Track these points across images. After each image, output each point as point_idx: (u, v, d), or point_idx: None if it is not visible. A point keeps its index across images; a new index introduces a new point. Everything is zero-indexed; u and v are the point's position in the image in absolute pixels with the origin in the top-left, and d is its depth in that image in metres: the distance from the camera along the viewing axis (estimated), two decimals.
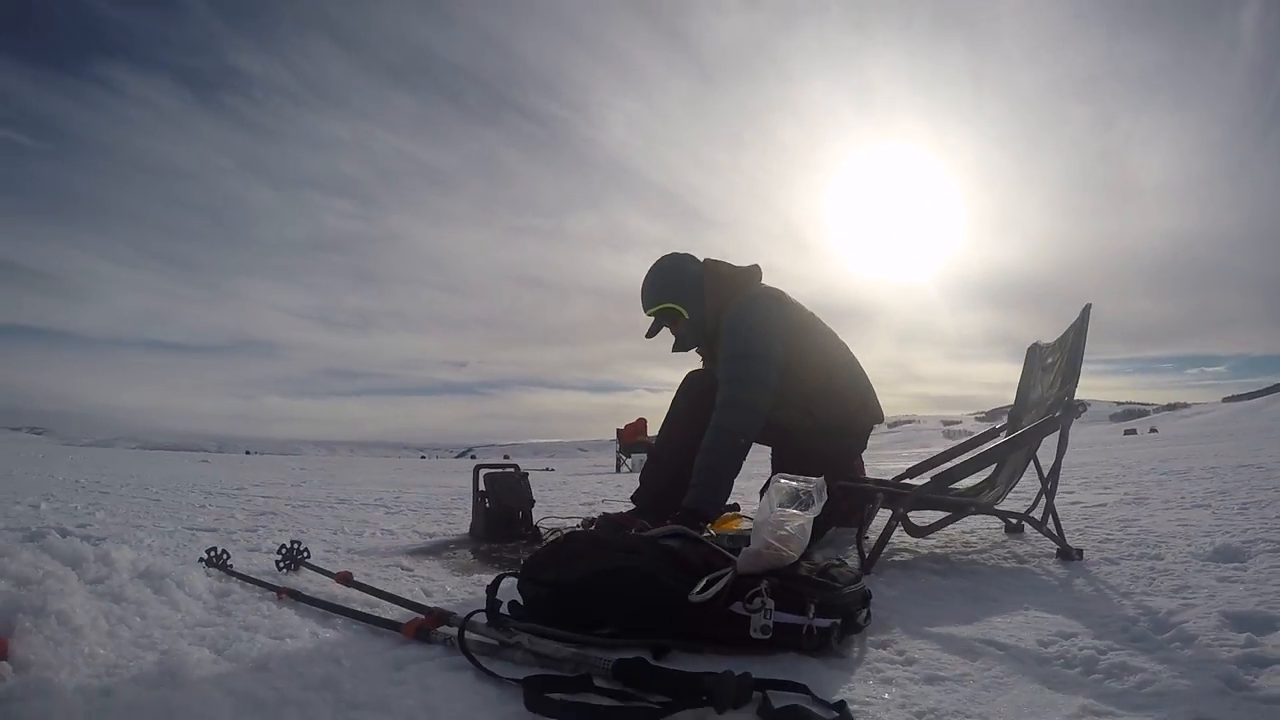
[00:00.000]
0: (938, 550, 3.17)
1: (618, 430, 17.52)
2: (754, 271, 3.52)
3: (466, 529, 4.10)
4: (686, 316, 3.39)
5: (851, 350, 3.59)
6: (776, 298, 3.40)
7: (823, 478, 2.21)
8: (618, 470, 16.46)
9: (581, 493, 7.99)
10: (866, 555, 2.77)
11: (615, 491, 8.27)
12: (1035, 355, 3.64)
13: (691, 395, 3.46)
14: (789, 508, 2.09)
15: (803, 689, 1.52)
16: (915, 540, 3.45)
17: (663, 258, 3.50)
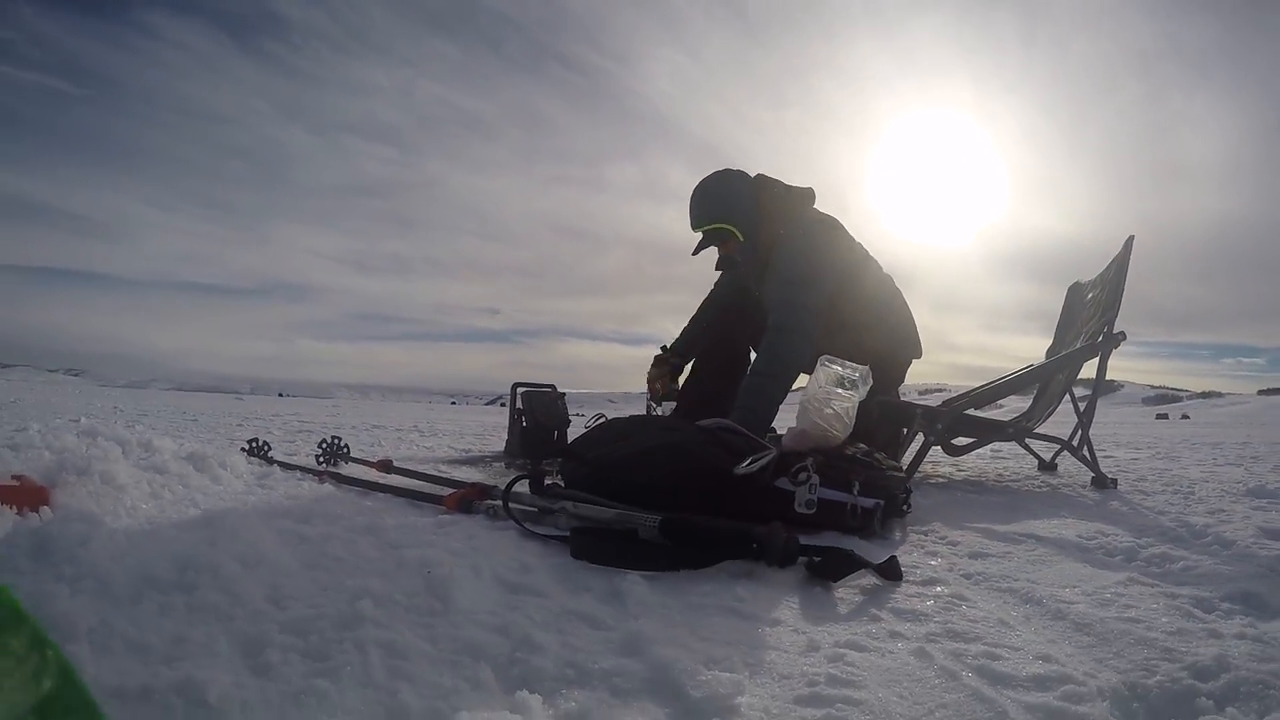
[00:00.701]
0: (972, 478, 3.13)
1: (649, 379, 17.47)
2: (808, 194, 3.36)
3: (501, 449, 4.07)
4: (741, 239, 3.21)
5: (894, 281, 3.48)
6: (831, 226, 3.27)
7: (868, 366, 2.18)
8: (647, 412, 16.48)
9: None
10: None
11: None
12: (1075, 292, 3.59)
13: (717, 297, 3.57)
14: (836, 389, 2.05)
15: (848, 553, 1.47)
16: (951, 466, 3.41)
17: (714, 174, 3.31)
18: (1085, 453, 3.01)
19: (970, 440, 3.03)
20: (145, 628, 1.03)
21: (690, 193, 3.27)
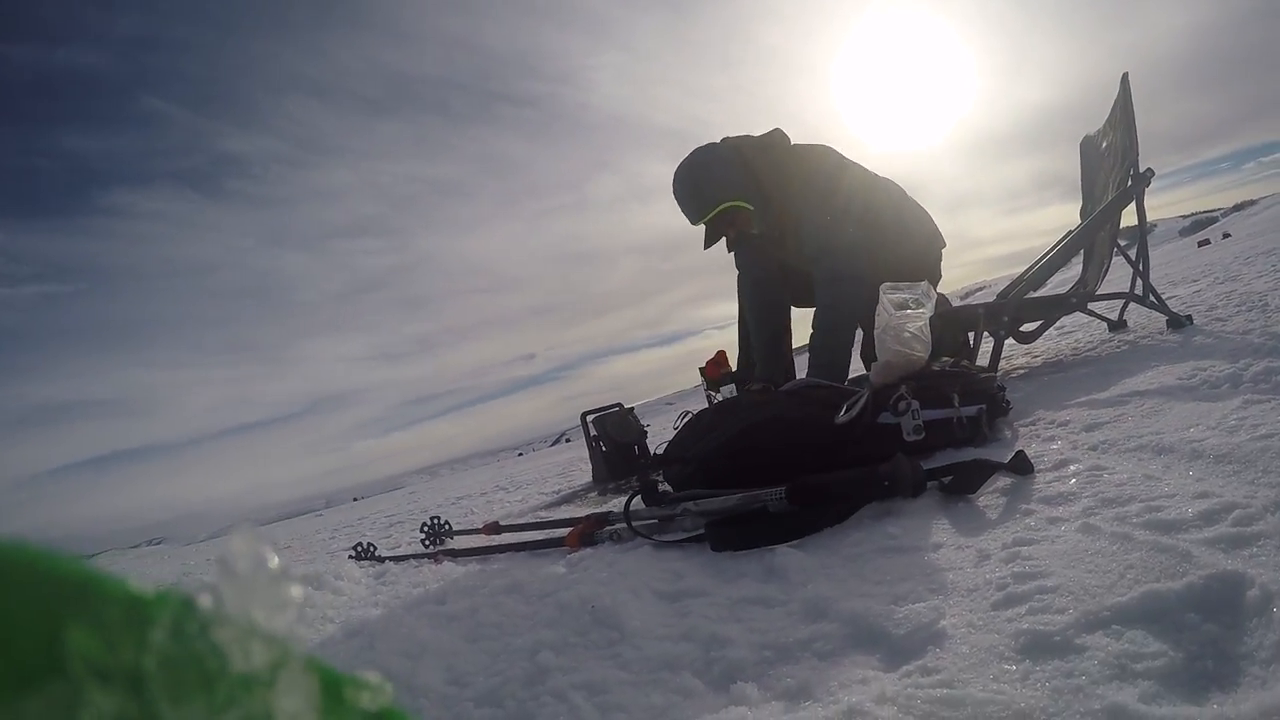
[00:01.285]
0: (1050, 360, 3.10)
1: (700, 369, 17.48)
2: (782, 135, 3.22)
3: (589, 479, 4.10)
4: (750, 208, 3.03)
5: (900, 188, 3.42)
6: (832, 154, 3.19)
7: (925, 282, 2.18)
8: (709, 402, 16.46)
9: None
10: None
11: None
12: (1089, 145, 3.55)
13: (757, 295, 3.46)
14: (905, 312, 2.06)
15: (978, 462, 1.47)
16: (1025, 355, 3.39)
17: (690, 158, 3.11)
18: (1151, 299, 2.97)
19: (1038, 323, 3.02)
20: None
21: (672, 187, 3.12)
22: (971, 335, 2.91)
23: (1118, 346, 2.85)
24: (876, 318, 2.07)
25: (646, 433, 4.01)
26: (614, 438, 3.87)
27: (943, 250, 3.36)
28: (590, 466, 4.02)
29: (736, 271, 3.56)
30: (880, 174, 3.33)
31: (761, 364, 3.43)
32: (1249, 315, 2.59)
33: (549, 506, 3.45)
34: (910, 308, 2.06)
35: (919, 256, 3.23)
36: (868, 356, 3.09)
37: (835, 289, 2.91)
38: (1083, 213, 3.52)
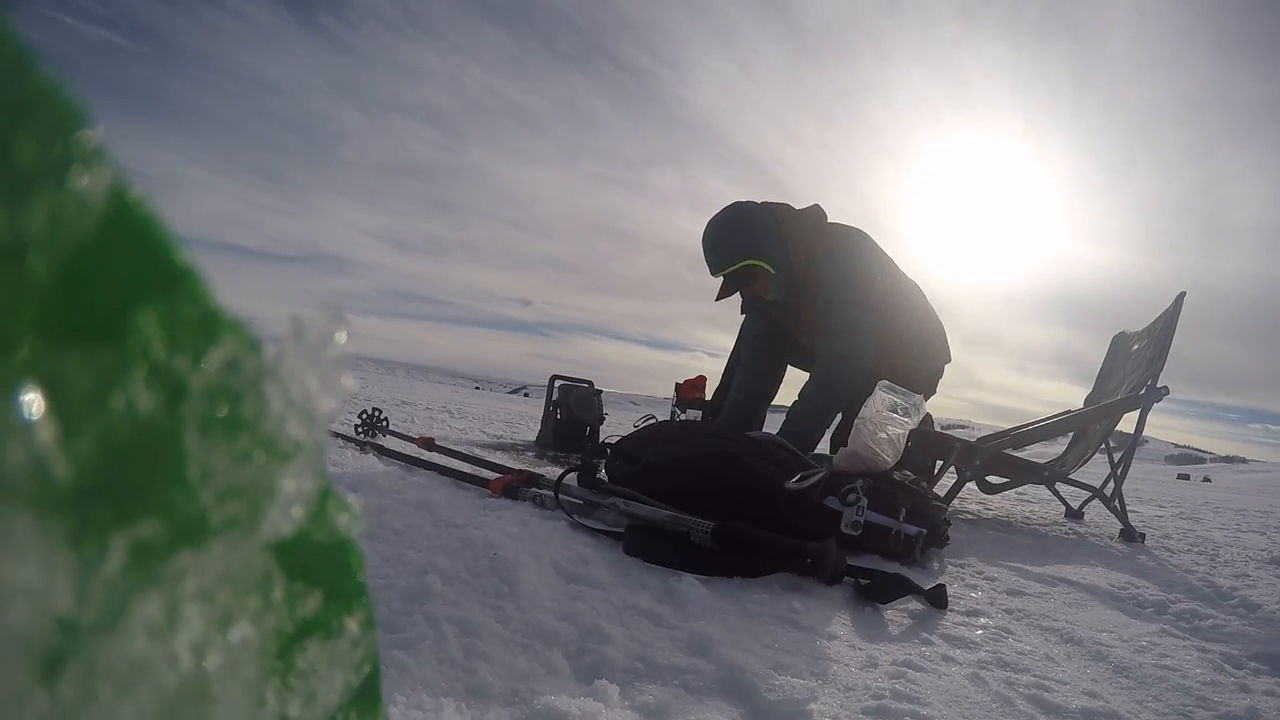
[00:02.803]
0: (1000, 518, 3.14)
1: (676, 385, 17.46)
2: (820, 212, 3.23)
3: (533, 439, 4.11)
4: (771, 271, 3.01)
5: (922, 291, 3.43)
6: (861, 236, 3.19)
7: (920, 396, 2.20)
8: (672, 419, 16.48)
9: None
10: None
11: None
12: (1121, 342, 3.60)
13: (753, 359, 3.49)
14: (890, 414, 2.08)
15: (900, 577, 1.49)
16: (978, 503, 3.43)
17: (727, 210, 3.12)
18: (1116, 504, 3.02)
19: (1004, 480, 3.06)
20: None
21: (703, 233, 3.12)
22: (939, 464, 2.94)
23: (1067, 533, 2.88)
24: (863, 408, 2.09)
25: (605, 419, 4.01)
26: (573, 410, 3.87)
27: (945, 366, 3.39)
28: (539, 429, 4.02)
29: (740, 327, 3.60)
30: (908, 275, 3.35)
31: (728, 423, 3.46)
32: (1197, 557, 2.64)
33: (485, 447, 3.45)
34: (897, 413, 2.08)
35: (923, 363, 3.25)
36: (838, 438, 3.11)
37: (835, 368, 2.92)
38: (1088, 400, 3.58)
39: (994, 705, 1.00)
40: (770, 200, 3.20)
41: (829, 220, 3.17)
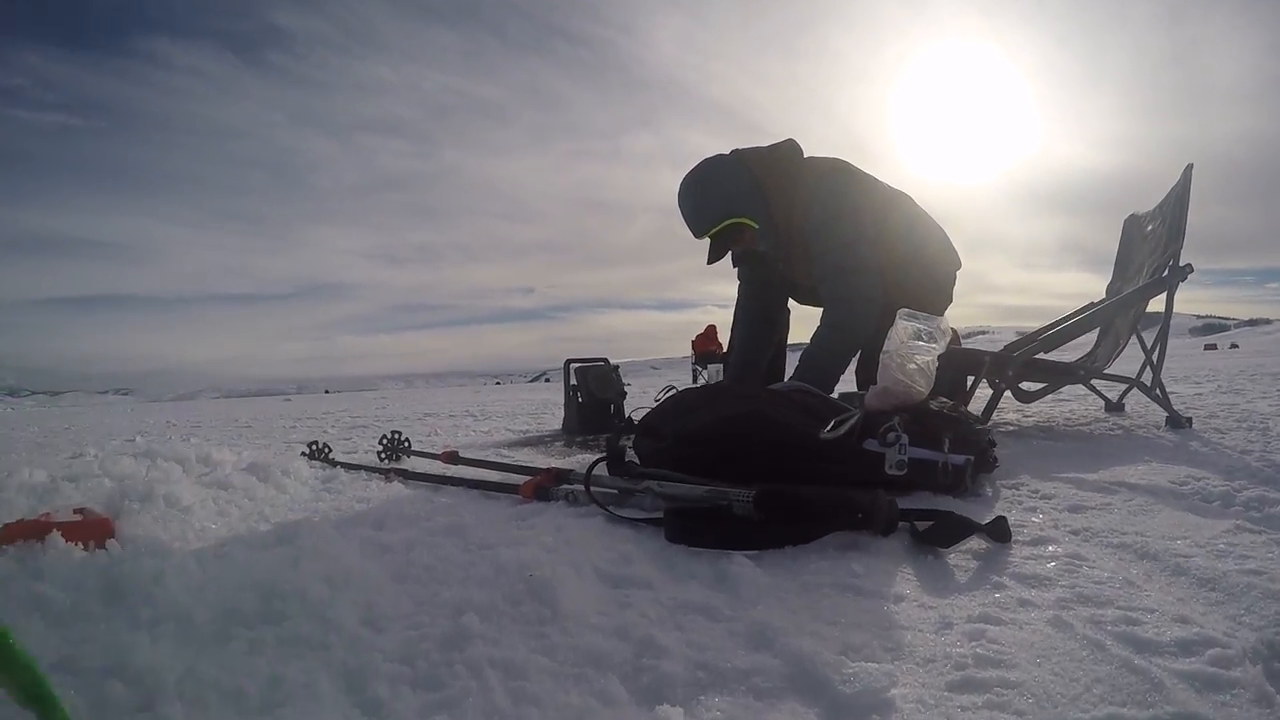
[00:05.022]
0: (1041, 424, 3.06)
1: (691, 343, 17.35)
2: (794, 147, 3.05)
3: (559, 427, 4.06)
4: (755, 226, 2.90)
5: (914, 202, 3.28)
6: (844, 170, 3.03)
7: (942, 317, 2.12)
8: (695, 383, 16.39)
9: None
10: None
11: None
12: (1133, 225, 3.47)
13: (753, 306, 3.39)
14: (916, 343, 1.99)
15: (958, 518, 1.41)
16: (1017, 411, 3.33)
17: (696, 170, 2.94)
18: (1157, 392, 2.93)
19: (1041, 385, 2.96)
20: (237, 671, 0.96)
21: (677, 198, 2.99)
22: (971, 379, 2.85)
23: (1112, 429, 2.80)
24: (886, 340, 2.01)
25: (626, 393, 3.95)
26: (593, 391, 3.82)
27: (957, 271, 3.27)
28: (563, 415, 3.97)
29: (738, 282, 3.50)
30: (894, 187, 3.21)
31: (745, 378, 3.36)
32: (1249, 434, 2.55)
33: (512, 445, 3.40)
34: (923, 339, 1.99)
35: (932, 277, 3.14)
36: (866, 376, 3.01)
37: (841, 310, 2.84)
38: (1110, 289, 3.48)
39: (1085, 654, 0.92)
40: (740, 147, 3.08)
41: (804, 155, 3.06)
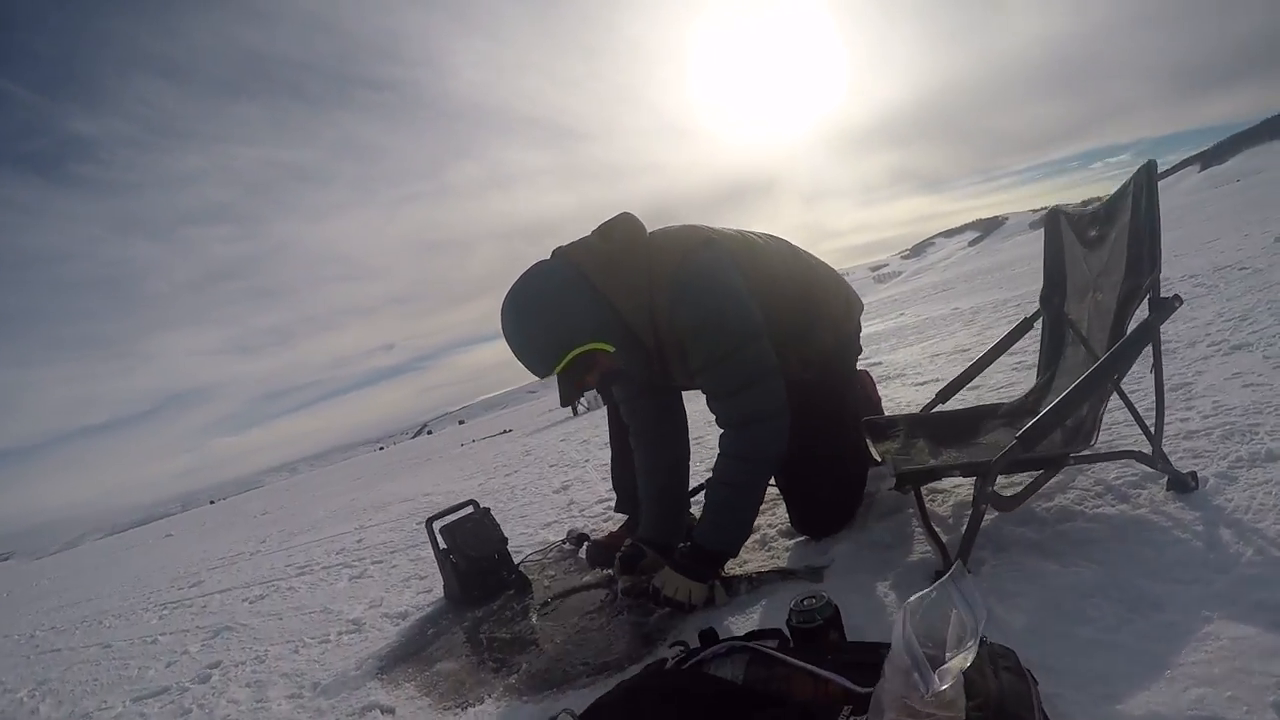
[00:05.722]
0: (1022, 515, 2.34)
1: None
2: (632, 227, 2.46)
3: (441, 590, 3.49)
4: (608, 347, 2.29)
5: (789, 243, 2.79)
6: (704, 243, 2.42)
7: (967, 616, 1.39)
8: (574, 414, 15.91)
9: (548, 465, 7.50)
10: (944, 545, 2.16)
11: (581, 451, 7.90)
12: (1065, 224, 2.75)
13: (640, 425, 2.81)
14: (935, 651, 1.25)
15: None
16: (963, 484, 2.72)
17: (516, 293, 2.30)
18: (1161, 464, 2.22)
19: (1026, 484, 2.20)
20: None
21: (503, 329, 2.32)
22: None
23: (1104, 502, 2.25)
24: (886, 665, 1.27)
25: (507, 540, 3.42)
26: (467, 552, 3.27)
27: (860, 316, 2.86)
28: (443, 582, 3.43)
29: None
30: (757, 233, 2.70)
31: (648, 523, 2.77)
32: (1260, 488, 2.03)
33: (389, 674, 2.73)
34: (946, 638, 1.25)
35: (839, 331, 2.73)
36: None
37: (744, 437, 2.36)
38: (1043, 297, 2.81)
39: None
40: (560, 245, 2.47)
41: (646, 232, 2.49)
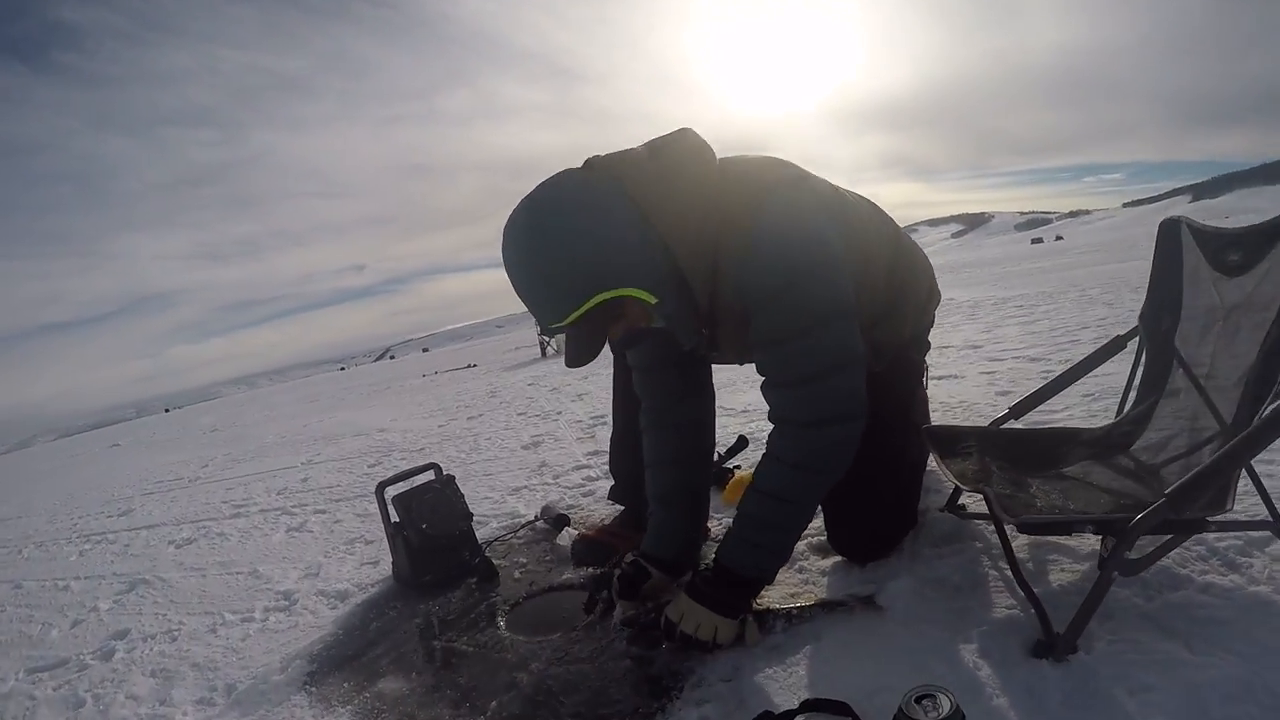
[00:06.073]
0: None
1: None
2: (698, 146, 1.80)
3: (389, 566, 2.97)
4: (648, 297, 1.67)
5: (875, 204, 2.17)
6: (796, 181, 1.81)
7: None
8: (543, 355, 15.40)
9: (516, 413, 6.97)
10: (1044, 608, 1.66)
11: (552, 401, 7.33)
12: (1190, 238, 2.17)
13: (659, 415, 2.23)
14: None
15: None
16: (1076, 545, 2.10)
17: (533, 207, 1.63)
18: None
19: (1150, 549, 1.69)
20: None
21: (504, 255, 1.67)
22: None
23: (1219, 574, 1.78)
24: None
25: (472, 515, 2.92)
26: (423, 527, 2.76)
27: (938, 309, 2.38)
28: (392, 558, 2.91)
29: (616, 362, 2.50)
30: (845, 188, 2.07)
31: (656, 534, 2.21)
32: None
33: (317, 673, 2.25)
34: None
35: (917, 324, 2.24)
36: None
37: (811, 442, 1.80)
38: (1145, 316, 2.26)
39: None
40: (599, 154, 1.78)
41: (714, 156, 1.83)
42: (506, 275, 1.67)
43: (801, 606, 1.96)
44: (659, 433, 2.21)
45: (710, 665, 1.81)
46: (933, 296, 2.31)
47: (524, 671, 1.98)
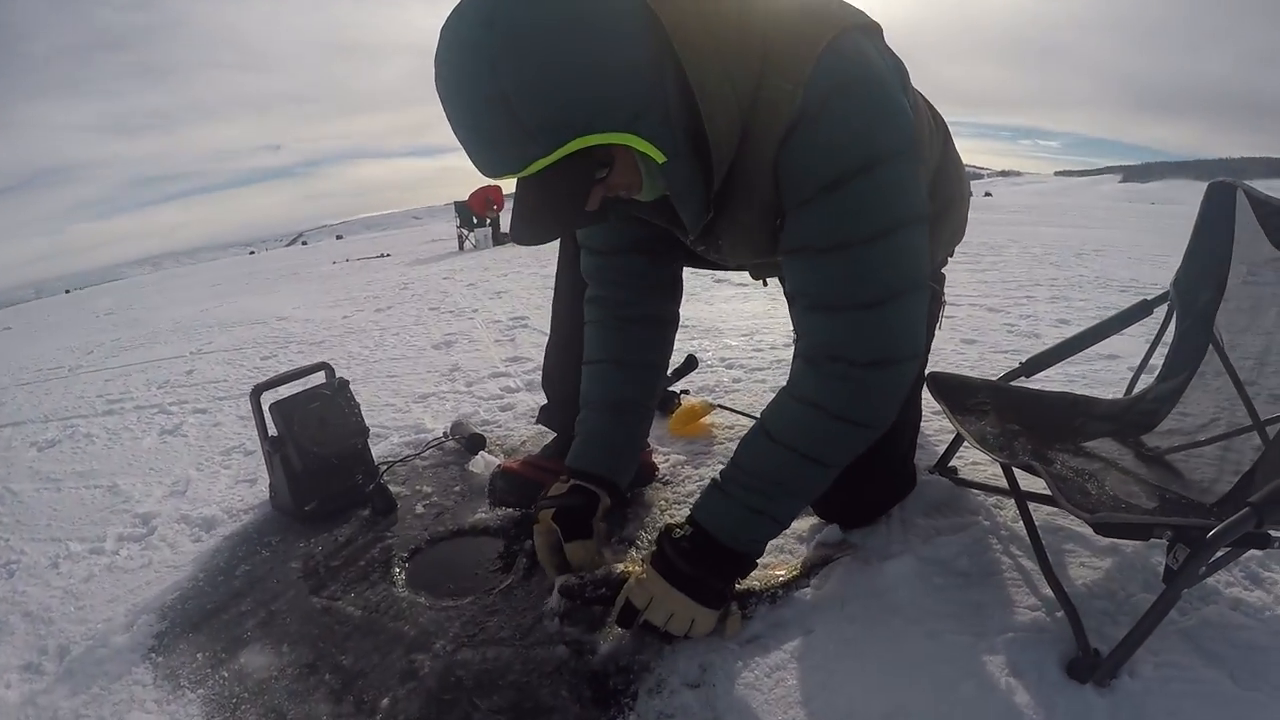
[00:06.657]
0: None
1: (457, 204, 15.21)
2: None
3: (266, 489, 2.49)
4: (649, 150, 1.15)
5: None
6: (867, 30, 1.28)
7: None
8: (460, 248, 14.70)
9: (428, 307, 6.40)
10: (1080, 620, 1.31)
11: (468, 297, 6.78)
12: (1244, 205, 1.84)
13: (610, 312, 1.71)
14: None
15: None
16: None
17: (518, 4, 1.04)
18: None
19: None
20: None
21: (438, 67, 1.11)
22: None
23: (1243, 589, 1.51)
24: None
25: (368, 430, 2.45)
26: (309, 445, 2.28)
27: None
28: (269, 482, 2.44)
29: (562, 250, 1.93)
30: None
31: (591, 445, 1.71)
32: None
33: (164, 635, 1.80)
34: None
35: (945, 253, 1.88)
36: None
37: (864, 382, 1.31)
38: (1179, 285, 1.93)
39: None
40: None
41: None
42: (439, 96, 1.13)
43: (787, 581, 1.56)
44: (609, 330, 1.70)
45: (670, 661, 1.41)
46: (960, 229, 1.88)
47: (425, 653, 1.54)
